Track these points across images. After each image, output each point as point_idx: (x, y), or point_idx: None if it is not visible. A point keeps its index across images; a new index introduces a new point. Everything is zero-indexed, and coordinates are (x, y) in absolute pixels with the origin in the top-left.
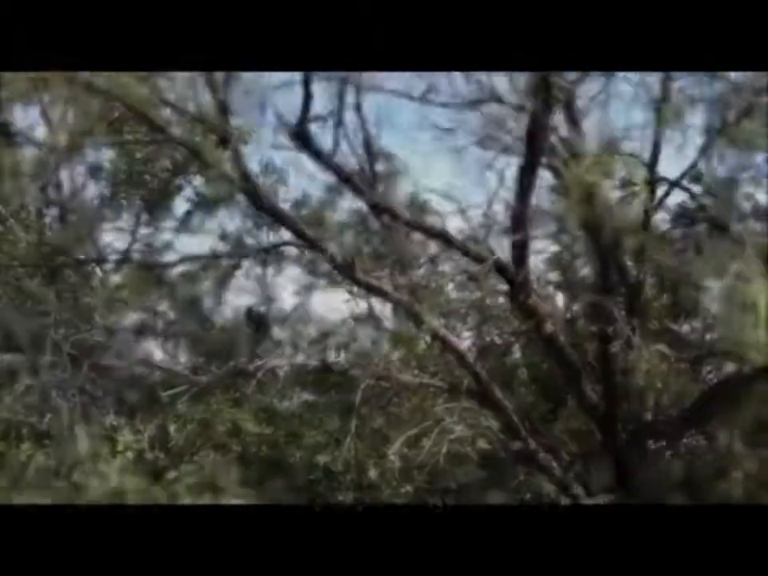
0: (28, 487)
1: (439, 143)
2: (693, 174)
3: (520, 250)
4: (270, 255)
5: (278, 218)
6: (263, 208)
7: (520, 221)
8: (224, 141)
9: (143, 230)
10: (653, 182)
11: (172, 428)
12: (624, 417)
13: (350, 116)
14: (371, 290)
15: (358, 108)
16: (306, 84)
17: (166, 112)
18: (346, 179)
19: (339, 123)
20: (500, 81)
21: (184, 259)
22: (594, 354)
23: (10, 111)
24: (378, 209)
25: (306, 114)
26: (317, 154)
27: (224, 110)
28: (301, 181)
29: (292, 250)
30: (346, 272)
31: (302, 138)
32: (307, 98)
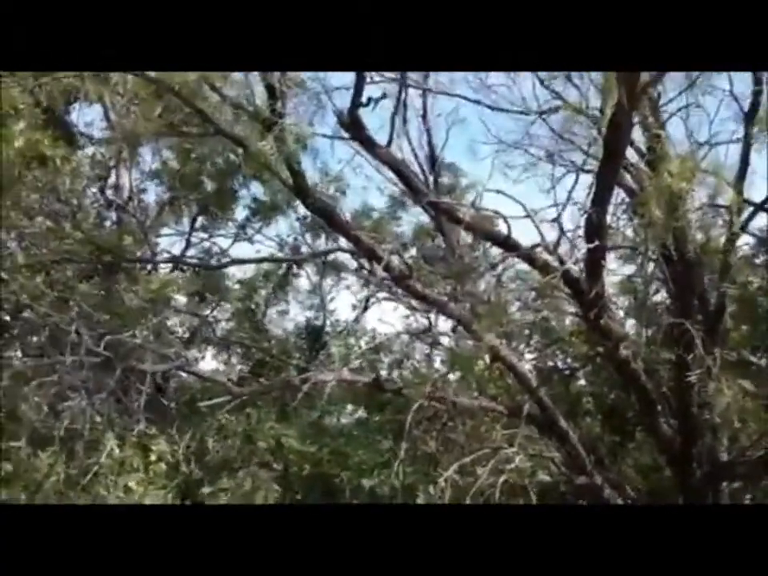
0: (45, 500)
1: (505, 155)
2: None
3: (595, 262)
4: (326, 265)
5: (333, 224)
6: (318, 211)
7: (596, 228)
8: (269, 127)
9: (199, 235)
10: (740, 201)
11: (210, 441)
12: (699, 454)
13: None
14: (429, 303)
15: (423, 114)
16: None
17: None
18: (400, 173)
19: (396, 113)
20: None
21: (235, 261)
22: (669, 384)
23: (70, 111)
24: (437, 209)
25: (358, 97)
26: (371, 144)
27: (273, 95)
28: (360, 191)
29: (351, 263)
30: (403, 282)
31: (355, 124)
32: (360, 81)
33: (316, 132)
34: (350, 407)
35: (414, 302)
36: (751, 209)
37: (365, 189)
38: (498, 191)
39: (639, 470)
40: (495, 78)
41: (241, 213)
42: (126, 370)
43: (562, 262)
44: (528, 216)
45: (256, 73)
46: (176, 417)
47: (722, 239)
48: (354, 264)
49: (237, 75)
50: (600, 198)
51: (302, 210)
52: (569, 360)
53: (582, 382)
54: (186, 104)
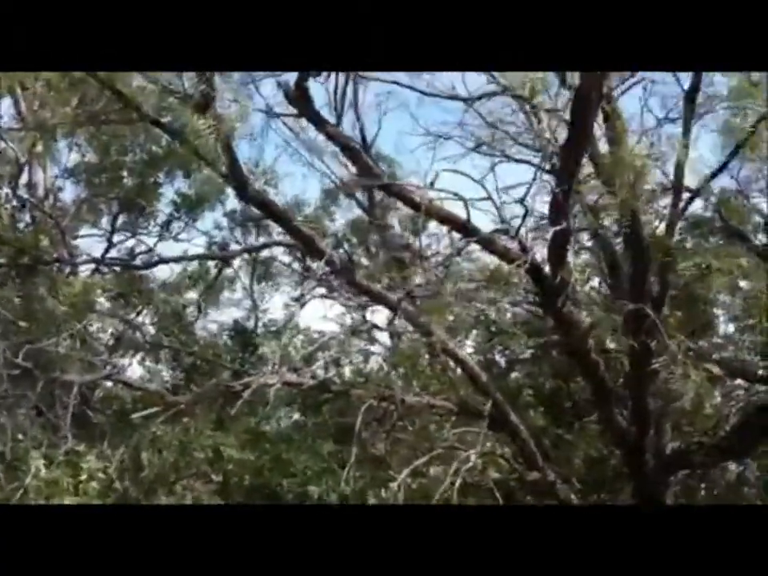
0: None
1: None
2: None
3: (560, 246)
4: (257, 262)
5: (272, 215)
6: (255, 201)
7: (560, 210)
8: (203, 107)
9: (122, 236)
10: (679, 186)
11: (145, 455)
12: (651, 443)
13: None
14: (373, 297)
15: (355, 103)
16: None
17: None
18: (352, 151)
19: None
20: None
21: (161, 261)
22: (625, 373)
23: None
24: (388, 191)
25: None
26: (319, 120)
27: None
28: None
29: (283, 259)
30: (345, 275)
31: (303, 97)
32: None
33: (257, 109)
34: (283, 411)
35: (349, 299)
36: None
37: (299, 178)
38: (455, 171)
39: (585, 462)
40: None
41: (165, 210)
42: (49, 382)
43: (524, 249)
44: (489, 198)
45: None
46: (105, 430)
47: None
48: (285, 261)
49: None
50: (566, 176)
51: (229, 204)
52: (506, 353)
53: (516, 374)
54: (109, 90)
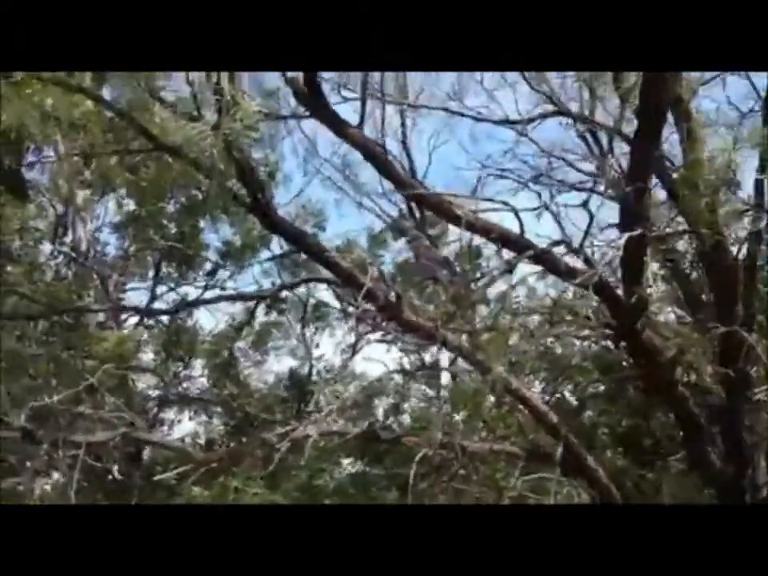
0: None
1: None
2: None
3: (635, 257)
4: (307, 307)
5: (303, 247)
6: (284, 233)
7: (635, 213)
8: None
9: (165, 287)
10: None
11: None
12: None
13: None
14: (422, 335)
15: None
16: None
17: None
18: (375, 158)
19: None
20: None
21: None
22: (718, 405)
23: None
24: (424, 203)
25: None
26: (337, 121)
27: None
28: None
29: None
30: (390, 311)
31: (315, 96)
32: None
33: (267, 110)
34: (346, 461)
35: (406, 341)
36: None
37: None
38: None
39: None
40: (474, 101)
41: (212, 259)
42: (53, 444)
43: (589, 263)
44: (545, 206)
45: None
46: (135, 494)
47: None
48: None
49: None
50: (638, 173)
51: (275, 248)
52: (578, 389)
53: (590, 412)
54: (129, 123)
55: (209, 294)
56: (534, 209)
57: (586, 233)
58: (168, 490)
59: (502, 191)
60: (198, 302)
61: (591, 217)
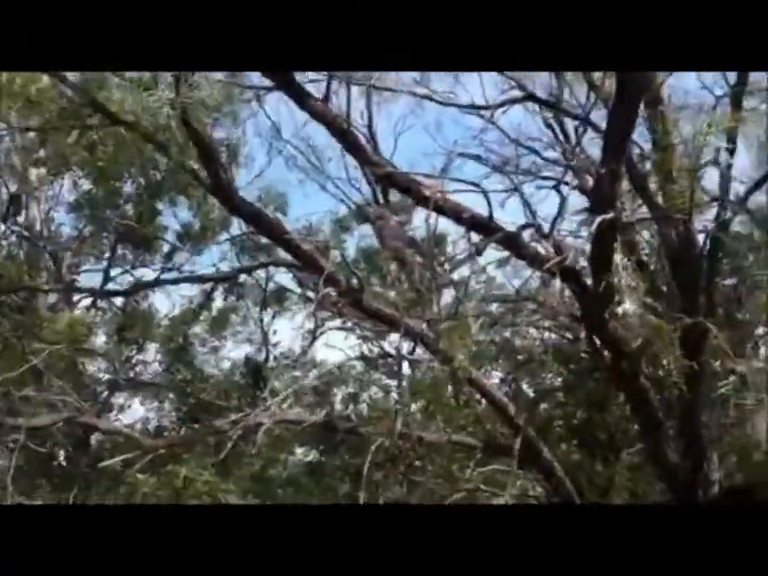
0: None
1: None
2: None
3: (605, 242)
4: (266, 292)
5: (262, 228)
6: (242, 213)
7: (607, 195)
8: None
9: (120, 269)
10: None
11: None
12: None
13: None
14: (383, 321)
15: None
16: None
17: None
18: (342, 134)
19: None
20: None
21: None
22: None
23: None
24: (391, 182)
25: None
26: (302, 94)
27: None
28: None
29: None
30: (352, 296)
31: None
32: None
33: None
34: (300, 450)
35: (365, 328)
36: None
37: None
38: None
39: (626, 499)
40: (440, 86)
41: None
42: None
43: (558, 249)
44: (514, 189)
45: None
46: (79, 482)
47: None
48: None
49: None
50: (613, 153)
51: (234, 231)
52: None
53: (546, 405)
54: (85, 98)
55: (165, 277)
56: (504, 191)
57: (557, 216)
58: (113, 477)
59: (469, 179)
60: (152, 284)
61: (562, 200)
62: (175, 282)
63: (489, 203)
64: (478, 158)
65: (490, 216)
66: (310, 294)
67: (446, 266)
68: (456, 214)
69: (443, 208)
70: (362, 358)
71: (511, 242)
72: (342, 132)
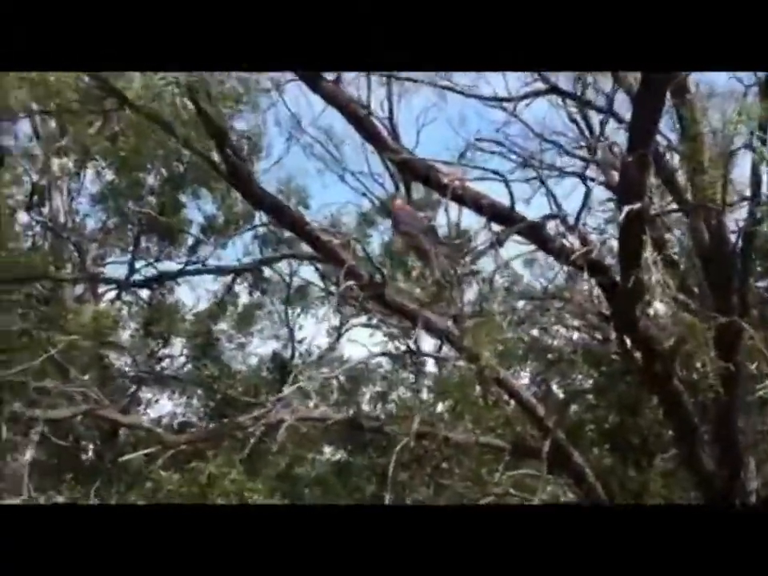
0: None
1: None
2: None
3: (633, 234)
4: (291, 288)
5: (283, 220)
6: (262, 204)
7: (635, 184)
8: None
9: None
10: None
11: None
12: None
13: None
14: (406, 317)
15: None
16: None
17: None
18: (357, 119)
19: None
20: None
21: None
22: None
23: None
24: (409, 169)
25: None
26: (313, 76)
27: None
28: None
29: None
30: (374, 290)
31: None
32: None
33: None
34: (328, 450)
35: (391, 325)
36: None
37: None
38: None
39: None
40: (463, 77)
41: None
42: (12, 419)
43: (585, 241)
44: (539, 179)
45: None
46: (106, 478)
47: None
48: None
49: None
50: (639, 140)
51: (260, 228)
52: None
53: (577, 407)
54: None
55: (186, 269)
56: (526, 180)
57: (583, 206)
58: (135, 473)
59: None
60: (173, 275)
61: (587, 191)
62: (196, 272)
63: (510, 192)
64: (498, 144)
65: (512, 206)
66: (334, 289)
67: (467, 258)
68: (476, 203)
69: (462, 197)
70: (386, 354)
71: (535, 234)
72: (356, 117)
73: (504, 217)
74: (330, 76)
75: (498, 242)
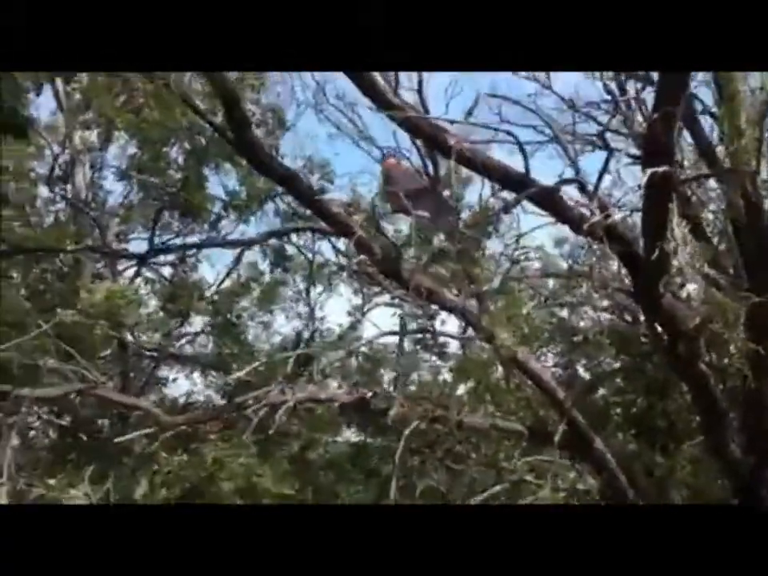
0: None
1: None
2: None
3: (660, 201)
4: (313, 265)
5: (293, 190)
6: (272, 173)
7: (661, 144)
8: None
9: (166, 237)
10: None
11: (139, 491)
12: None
13: None
14: (424, 296)
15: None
16: None
17: None
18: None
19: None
20: None
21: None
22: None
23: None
24: (412, 128)
25: None
26: None
27: None
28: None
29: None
30: (388, 265)
31: None
32: None
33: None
34: (349, 433)
35: (414, 304)
36: None
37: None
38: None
39: (685, 495)
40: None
41: (214, 210)
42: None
43: (604, 208)
44: (556, 139)
45: None
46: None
47: None
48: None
49: None
50: (668, 93)
51: (283, 204)
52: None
53: (602, 391)
54: None
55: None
56: (539, 142)
57: (603, 170)
58: (138, 456)
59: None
60: (189, 246)
61: (610, 152)
62: (206, 246)
63: (524, 154)
64: (508, 99)
65: (526, 170)
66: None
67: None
68: (485, 166)
69: (470, 159)
70: (403, 333)
71: (550, 201)
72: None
73: (517, 183)
74: None
75: (504, 209)
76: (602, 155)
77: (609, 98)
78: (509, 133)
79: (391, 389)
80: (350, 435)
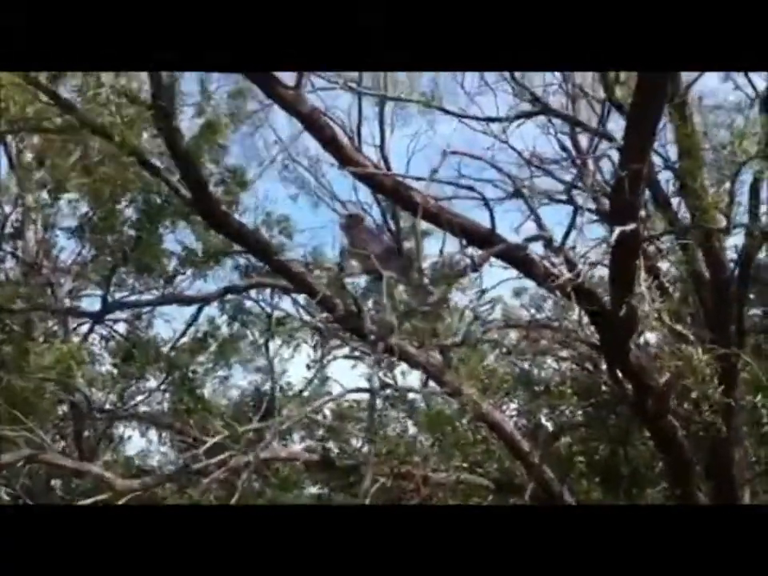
0: None
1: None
2: None
3: (626, 258)
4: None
5: (248, 246)
6: (224, 230)
7: (627, 205)
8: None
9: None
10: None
11: None
12: None
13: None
14: (388, 351)
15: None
16: None
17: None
18: (319, 130)
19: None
20: None
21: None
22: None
23: None
24: (375, 185)
25: None
26: (269, 81)
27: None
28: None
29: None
30: (349, 323)
31: None
32: None
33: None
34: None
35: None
36: None
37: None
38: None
39: None
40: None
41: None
42: None
43: (572, 266)
44: (519, 195)
45: None
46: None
47: None
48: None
49: None
50: (634, 154)
51: (242, 259)
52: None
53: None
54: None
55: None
56: (502, 198)
57: (570, 227)
58: None
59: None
60: (144, 304)
61: (576, 209)
62: (161, 303)
63: (490, 211)
64: (475, 158)
65: (492, 227)
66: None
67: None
68: (450, 223)
69: (437, 216)
70: (362, 389)
71: (517, 258)
72: (318, 127)
73: (483, 239)
74: (290, 81)
75: (473, 267)
76: (557, 208)
77: (564, 154)
78: (472, 189)
79: (358, 444)
80: (313, 490)
